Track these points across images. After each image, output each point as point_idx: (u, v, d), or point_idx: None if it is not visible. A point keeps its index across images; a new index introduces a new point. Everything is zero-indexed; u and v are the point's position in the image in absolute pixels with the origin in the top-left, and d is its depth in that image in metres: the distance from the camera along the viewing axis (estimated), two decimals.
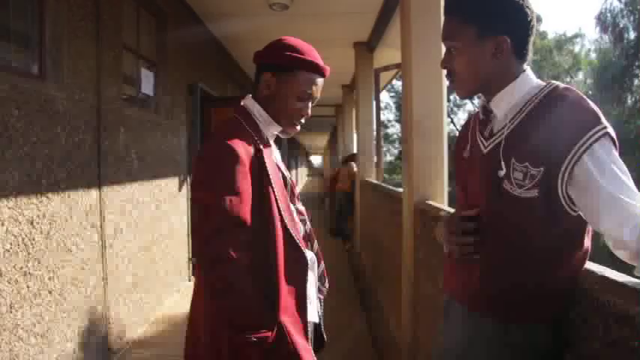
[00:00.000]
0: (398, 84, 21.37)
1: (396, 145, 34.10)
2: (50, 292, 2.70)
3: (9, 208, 2.38)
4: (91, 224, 3.18)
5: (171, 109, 4.88)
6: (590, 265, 1.21)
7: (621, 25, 21.78)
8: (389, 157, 33.59)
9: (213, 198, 1.39)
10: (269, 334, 1.37)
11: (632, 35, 21.55)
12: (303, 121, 1.64)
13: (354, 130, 9.05)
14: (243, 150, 1.43)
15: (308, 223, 1.70)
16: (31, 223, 2.55)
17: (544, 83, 1.29)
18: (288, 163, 15.62)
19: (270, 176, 1.48)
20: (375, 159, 7.07)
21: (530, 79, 1.31)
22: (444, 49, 1.38)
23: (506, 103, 1.30)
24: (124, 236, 3.70)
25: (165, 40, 4.75)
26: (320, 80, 1.61)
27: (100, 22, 3.33)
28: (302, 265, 1.53)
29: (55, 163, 2.76)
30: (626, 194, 1.10)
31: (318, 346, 1.77)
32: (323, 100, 4.01)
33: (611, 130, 1.14)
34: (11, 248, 2.39)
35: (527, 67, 1.32)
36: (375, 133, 7.16)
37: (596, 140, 1.12)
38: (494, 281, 1.25)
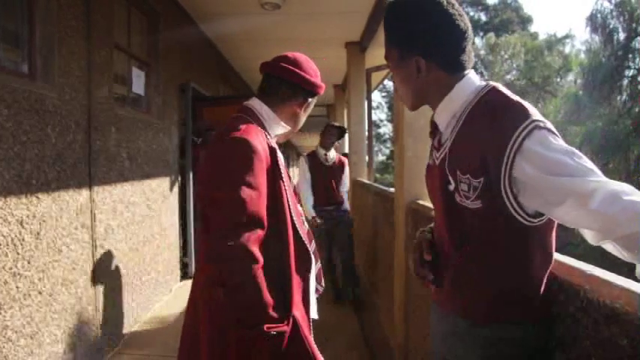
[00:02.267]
0: (389, 84, 21.41)
1: (388, 144, 34.18)
2: (40, 293, 2.68)
3: None
4: (82, 224, 3.16)
5: (163, 108, 4.86)
6: (579, 265, 1.22)
7: (611, 26, 21.96)
8: (381, 157, 33.67)
9: (233, 193, 1.37)
10: (286, 327, 1.39)
11: (621, 36, 21.72)
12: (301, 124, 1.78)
13: (347, 128, 9.05)
14: (260, 145, 1.44)
15: (305, 223, 1.73)
16: (21, 223, 2.53)
17: (482, 85, 1.27)
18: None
19: (282, 173, 1.52)
20: (366, 159, 7.08)
21: (467, 86, 1.29)
22: None
23: (446, 114, 1.31)
24: (115, 236, 3.69)
25: (156, 40, 4.73)
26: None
27: (91, 21, 3.31)
28: (308, 263, 1.58)
29: (45, 163, 2.74)
30: (576, 174, 1.06)
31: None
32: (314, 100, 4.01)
33: (539, 119, 1.12)
34: (0, 249, 2.37)
35: (467, 72, 1.31)
36: (366, 132, 7.17)
37: (525, 138, 1.10)
38: (460, 288, 1.28)
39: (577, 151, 1.11)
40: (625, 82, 21.71)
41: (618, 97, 21.73)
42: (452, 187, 1.25)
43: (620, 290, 1.02)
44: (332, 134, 5.05)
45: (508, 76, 28.24)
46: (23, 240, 2.54)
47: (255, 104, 1.66)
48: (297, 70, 1.67)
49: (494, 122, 1.15)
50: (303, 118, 1.75)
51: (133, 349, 3.69)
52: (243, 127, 1.49)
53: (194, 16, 5.60)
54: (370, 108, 7.28)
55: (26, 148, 2.58)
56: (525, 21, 31.74)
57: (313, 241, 1.74)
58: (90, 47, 3.28)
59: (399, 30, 1.34)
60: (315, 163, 5.05)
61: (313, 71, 1.71)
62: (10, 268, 2.44)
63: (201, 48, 6.43)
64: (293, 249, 1.50)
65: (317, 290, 1.76)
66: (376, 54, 6.74)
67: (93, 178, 3.30)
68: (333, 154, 5.13)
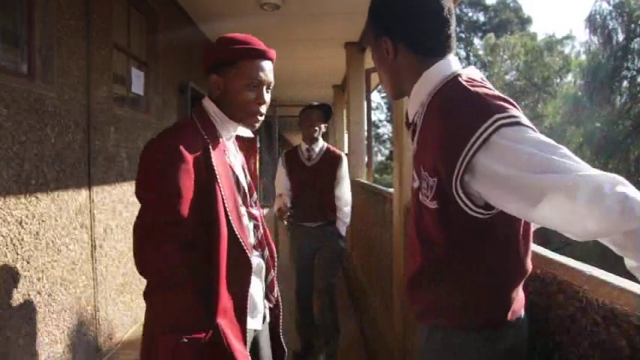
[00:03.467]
0: None
1: (387, 145, 34.19)
2: (39, 293, 2.68)
3: None
4: (81, 224, 3.16)
5: (162, 108, 4.86)
6: (578, 265, 1.22)
7: (610, 27, 21.98)
8: (380, 157, 33.67)
9: (153, 196, 1.39)
10: (202, 335, 1.34)
11: (620, 37, 21.75)
12: (263, 110, 1.59)
13: (345, 130, 9.06)
14: (187, 148, 1.40)
15: (261, 228, 1.67)
16: (20, 223, 2.53)
17: (447, 74, 1.16)
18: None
19: (218, 176, 1.45)
20: (366, 159, 7.08)
21: (435, 73, 1.17)
22: None
23: (415, 103, 1.22)
24: (114, 236, 3.68)
25: (156, 40, 4.73)
26: (266, 64, 1.58)
27: (90, 21, 3.30)
28: (246, 270, 1.50)
29: (44, 163, 2.74)
30: (556, 169, 0.93)
31: (279, 354, 1.76)
32: (314, 100, 4.01)
33: (504, 115, 0.98)
34: (0, 249, 2.37)
35: (442, 59, 1.18)
36: (365, 133, 7.17)
37: (486, 139, 0.97)
38: (422, 294, 1.23)
39: (553, 142, 0.98)
40: (624, 82, 21.74)
41: (618, 98, 21.76)
42: (416, 184, 1.18)
43: (619, 291, 1.02)
44: (313, 119, 3.56)
45: (507, 77, 28.28)
46: (22, 240, 2.54)
47: (206, 103, 1.60)
48: (204, 56, 1.60)
49: (447, 120, 1.06)
50: (246, 93, 1.53)
51: (132, 349, 3.69)
52: (173, 130, 1.50)
53: (193, 16, 5.60)
54: (369, 108, 7.28)
55: (25, 148, 2.57)
56: (524, 22, 31.78)
57: (268, 249, 1.69)
58: (89, 47, 3.28)
59: (371, 9, 1.28)
60: (296, 164, 3.67)
61: (221, 44, 1.57)
62: (10, 268, 2.44)
63: (200, 48, 6.42)
64: (225, 255, 1.43)
65: (270, 299, 1.71)
66: None
67: (92, 178, 3.30)
68: (319, 148, 3.65)
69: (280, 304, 1.77)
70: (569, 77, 27.84)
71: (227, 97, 1.55)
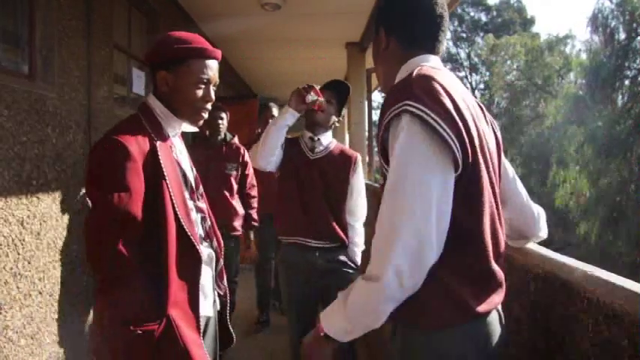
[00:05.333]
0: None
1: None
2: (40, 293, 2.68)
3: None
4: (82, 224, 3.16)
5: None
6: (580, 265, 1.22)
7: (612, 26, 21.94)
8: None
9: (102, 194, 1.41)
10: (155, 326, 1.40)
11: (622, 36, 21.71)
12: (209, 107, 1.66)
13: (346, 131, 9.06)
14: (135, 146, 1.45)
15: (208, 220, 1.74)
16: (22, 223, 2.53)
17: (416, 69, 1.22)
18: None
19: (165, 172, 1.50)
20: (367, 159, 7.08)
21: (409, 67, 1.25)
22: None
23: None
24: None
25: None
26: (213, 63, 1.64)
27: (91, 21, 3.31)
28: (195, 261, 1.55)
29: (45, 163, 2.74)
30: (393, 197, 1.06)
31: (226, 342, 1.84)
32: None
33: (415, 104, 1.07)
34: (1, 249, 2.37)
35: (423, 55, 1.28)
36: (366, 133, 7.17)
37: (390, 120, 1.11)
38: None
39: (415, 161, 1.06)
40: (626, 82, 21.70)
41: (619, 97, 21.72)
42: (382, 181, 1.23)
43: (620, 290, 1.02)
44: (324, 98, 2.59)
45: (509, 77, 28.23)
46: (24, 240, 2.54)
47: (150, 100, 1.65)
48: (151, 50, 1.63)
49: (386, 100, 1.16)
50: (194, 91, 1.59)
51: None
52: (121, 128, 1.53)
53: (194, 16, 5.60)
54: (370, 108, 7.29)
55: (26, 149, 2.58)
56: (527, 22, 31.73)
57: (216, 239, 1.76)
58: (90, 47, 3.28)
59: (378, 3, 1.39)
60: (295, 152, 2.69)
61: (171, 42, 1.61)
62: (11, 269, 2.44)
63: None
64: (175, 247, 1.48)
65: (220, 287, 1.79)
66: None
67: None
68: (328, 142, 2.75)
69: (228, 292, 1.84)
70: (571, 77, 27.81)
71: (174, 94, 1.59)
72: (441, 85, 1.12)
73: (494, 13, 32.11)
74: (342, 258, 2.70)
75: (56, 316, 2.83)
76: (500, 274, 1.18)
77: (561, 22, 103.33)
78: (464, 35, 31.91)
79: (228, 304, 1.85)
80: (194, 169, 1.77)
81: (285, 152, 2.64)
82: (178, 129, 1.67)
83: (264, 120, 4.58)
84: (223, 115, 3.91)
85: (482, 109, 1.33)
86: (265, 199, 4.12)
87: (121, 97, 4.11)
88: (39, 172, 2.68)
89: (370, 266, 1.09)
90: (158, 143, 1.52)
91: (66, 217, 2.96)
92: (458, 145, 1.06)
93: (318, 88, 2.61)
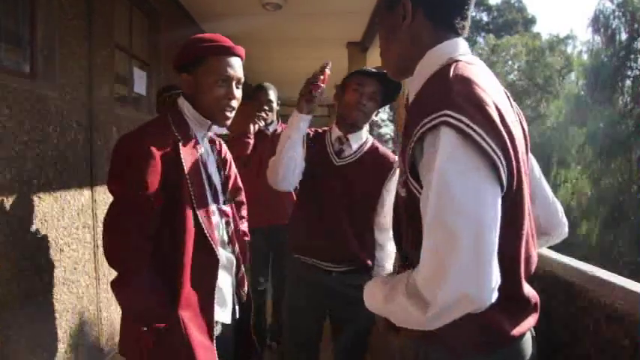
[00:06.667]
0: None
1: (389, 145, 34.17)
2: (41, 293, 2.68)
3: None
4: (83, 224, 3.16)
5: None
6: (581, 265, 1.22)
7: (613, 26, 21.92)
8: None
9: (119, 189, 1.47)
10: (161, 325, 1.40)
11: (623, 36, 21.69)
12: (234, 104, 1.63)
13: None
14: (155, 145, 1.46)
15: (232, 224, 1.71)
16: (22, 223, 2.53)
17: (450, 58, 1.09)
18: None
19: (187, 173, 1.50)
20: None
21: (439, 54, 1.10)
22: None
23: (416, 82, 1.13)
24: None
25: (158, 40, 4.73)
26: (234, 60, 1.63)
27: (92, 21, 3.31)
28: (212, 264, 1.54)
29: (46, 163, 2.74)
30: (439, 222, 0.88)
31: (248, 352, 1.80)
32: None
33: (456, 114, 0.91)
34: (2, 249, 2.37)
35: (453, 40, 1.12)
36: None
37: (426, 131, 0.94)
38: None
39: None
40: (627, 82, 21.67)
41: (620, 98, 21.69)
42: (398, 174, 1.14)
43: (621, 291, 1.02)
44: (367, 91, 2.17)
45: (510, 77, 28.22)
46: (25, 240, 2.54)
47: (180, 102, 1.67)
48: (174, 57, 1.70)
49: (418, 104, 1.03)
50: (216, 89, 1.58)
51: None
52: (146, 127, 1.58)
53: (195, 16, 5.60)
54: None
55: (27, 148, 2.58)
56: (529, 22, 31.71)
57: (238, 245, 1.72)
58: (91, 47, 3.28)
59: None
60: (318, 157, 2.22)
61: (188, 44, 1.68)
62: (12, 268, 2.44)
63: None
64: (191, 250, 1.47)
65: (240, 295, 1.75)
66: (377, 54, 6.72)
67: (94, 178, 3.30)
68: (361, 142, 2.28)
69: (251, 300, 1.80)
70: (572, 77, 27.77)
71: (198, 95, 1.61)
72: (484, 90, 0.99)
73: (496, 14, 32.10)
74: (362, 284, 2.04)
75: (57, 316, 2.84)
76: (534, 296, 1.11)
77: (562, 22, 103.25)
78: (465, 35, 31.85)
79: (252, 312, 1.80)
80: (227, 171, 1.78)
81: (307, 151, 2.15)
82: (207, 131, 1.67)
83: (259, 104, 3.59)
84: None
85: (509, 99, 1.21)
86: (254, 210, 2.72)
87: (123, 97, 4.11)
88: (40, 171, 2.69)
89: (425, 291, 0.92)
90: (182, 144, 1.53)
91: (67, 217, 2.96)
92: (505, 163, 0.92)
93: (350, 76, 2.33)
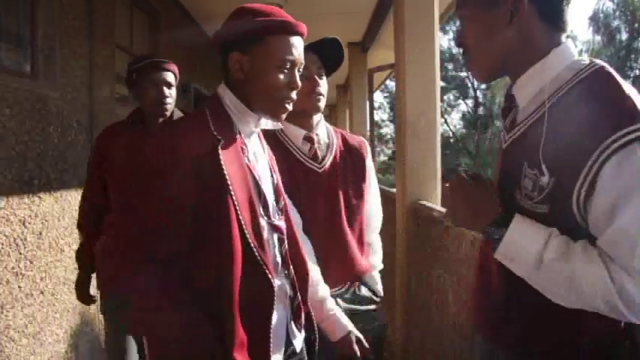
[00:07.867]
0: (392, 84, 21.42)
1: (390, 145, 34.15)
2: (42, 293, 2.69)
3: (0, 208, 2.37)
4: None
5: None
6: None
7: (613, 26, 21.94)
8: (382, 157, 33.65)
9: (139, 202, 1.19)
10: None
11: (624, 36, 21.70)
12: (294, 96, 1.28)
13: (348, 131, 9.06)
14: (188, 148, 1.16)
15: (286, 243, 1.35)
16: (23, 223, 2.53)
17: (585, 63, 1.01)
18: None
19: (229, 181, 1.17)
20: None
21: (564, 56, 1.02)
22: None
23: (532, 87, 1.04)
24: None
25: (158, 40, 4.73)
26: (297, 41, 1.30)
27: (93, 21, 3.31)
28: (267, 294, 1.21)
29: (47, 163, 2.75)
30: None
31: None
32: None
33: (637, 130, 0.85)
34: (2, 249, 2.38)
35: (565, 40, 1.04)
36: (368, 133, 7.16)
37: (617, 149, 0.85)
38: (516, 314, 1.06)
39: None
40: (627, 82, 21.71)
41: None
42: (511, 181, 1.03)
43: None
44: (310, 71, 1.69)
45: None
46: (25, 240, 2.54)
47: (221, 92, 1.29)
48: (221, 30, 1.30)
49: (593, 114, 0.91)
50: (277, 76, 1.23)
51: None
52: (178, 126, 1.30)
53: (195, 16, 5.61)
54: (372, 108, 7.26)
55: (28, 148, 2.58)
56: None
57: (293, 267, 1.36)
58: (92, 47, 3.29)
59: None
60: (288, 171, 1.59)
61: (245, 15, 1.28)
62: (13, 268, 2.44)
63: (202, 48, 6.42)
64: (238, 277, 1.16)
65: (297, 327, 1.39)
66: (378, 54, 6.74)
67: None
68: (325, 132, 1.83)
69: (316, 329, 1.43)
70: None
71: (251, 81, 1.24)
72: None
73: None
74: (364, 292, 1.78)
75: (57, 316, 2.84)
76: None
77: None
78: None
79: (316, 345, 1.44)
80: (276, 174, 1.41)
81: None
82: (255, 126, 1.32)
83: None
84: (172, 80, 2.51)
85: None
86: None
87: (123, 97, 4.11)
88: (41, 171, 2.69)
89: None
90: (222, 146, 1.17)
91: (67, 217, 2.96)
92: None
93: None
